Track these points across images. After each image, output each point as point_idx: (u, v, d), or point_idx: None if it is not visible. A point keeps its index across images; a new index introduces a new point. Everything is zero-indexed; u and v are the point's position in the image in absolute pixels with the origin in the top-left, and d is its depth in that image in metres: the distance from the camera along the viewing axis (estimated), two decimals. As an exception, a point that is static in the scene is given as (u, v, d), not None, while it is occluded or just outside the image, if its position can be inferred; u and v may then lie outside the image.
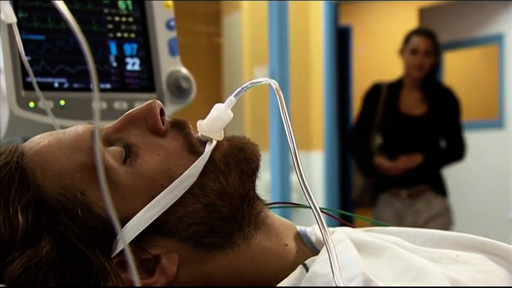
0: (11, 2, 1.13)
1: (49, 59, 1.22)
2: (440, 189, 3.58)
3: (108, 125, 0.80)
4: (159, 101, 0.79)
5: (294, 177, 3.24)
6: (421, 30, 3.84)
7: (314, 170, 5.03)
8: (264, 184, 3.65)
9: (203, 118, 0.80)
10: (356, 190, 3.85)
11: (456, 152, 3.61)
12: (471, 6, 4.95)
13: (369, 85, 3.73)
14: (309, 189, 0.71)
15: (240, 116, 4.38)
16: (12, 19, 1.09)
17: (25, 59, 1.13)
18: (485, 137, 5.21)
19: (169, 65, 1.34)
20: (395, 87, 3.64)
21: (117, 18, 1.30)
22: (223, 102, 0.79)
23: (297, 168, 0.72)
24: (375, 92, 3.65)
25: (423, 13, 6.10)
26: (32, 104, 1.18)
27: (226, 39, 4.59)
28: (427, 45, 3.56)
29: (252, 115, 4.39)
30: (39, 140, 0.78)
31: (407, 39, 3.64)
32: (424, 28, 4.09)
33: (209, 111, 0.80)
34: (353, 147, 3.75)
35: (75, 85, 1.24)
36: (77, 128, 0.78)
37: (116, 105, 1.27)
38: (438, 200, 3.53)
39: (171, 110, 1.35)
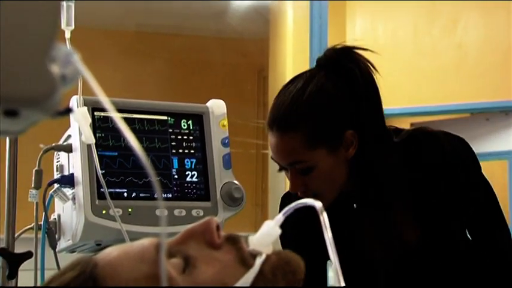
0: (91, 124, 1.13)
1: (120, 172, 1.21)
2: None
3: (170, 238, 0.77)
4: (216, 218, 0.79)
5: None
6: (272, 118, 1.30)
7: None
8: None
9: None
10: None
11: None
12: (476, 122, 4.45)
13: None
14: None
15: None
16: (91, 140, 1.08)
17: (100, 173, 1.12)
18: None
19: (223, 177, 1.32)
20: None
21: (179, 137, 1.30)
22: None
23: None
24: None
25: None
26: (104, 211, 1.16)
27: (272, 151, 4.63)
28: (287, 151, 1.24)
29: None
30: (110, 251, 0.77)
31: None
32: (277, 110, 1.29)
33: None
34: None
35: (141, 194, 1.22)
36: (143, 241, 0.78)
37: (176, 212, 1.25)
38: None
39: (224, 216, 1.31)
